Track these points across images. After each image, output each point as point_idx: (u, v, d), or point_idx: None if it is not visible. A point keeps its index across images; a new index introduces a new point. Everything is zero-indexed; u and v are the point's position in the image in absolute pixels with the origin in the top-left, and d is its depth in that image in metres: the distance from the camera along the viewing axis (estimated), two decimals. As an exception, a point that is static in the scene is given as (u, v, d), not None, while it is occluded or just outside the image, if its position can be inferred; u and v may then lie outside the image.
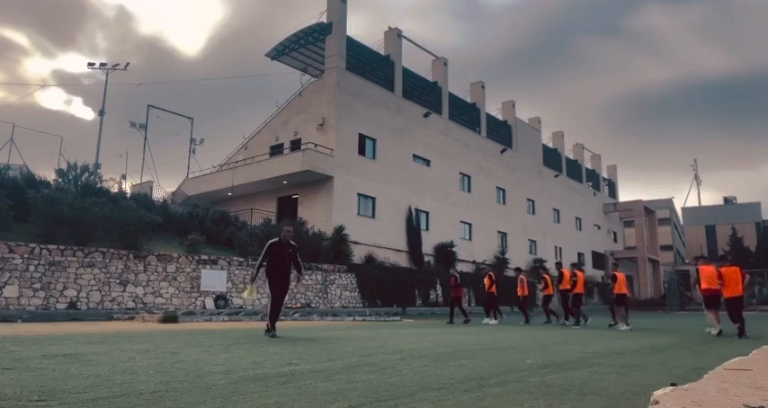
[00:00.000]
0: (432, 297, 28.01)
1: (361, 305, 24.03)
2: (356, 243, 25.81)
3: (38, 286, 15.26)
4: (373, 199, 28.46)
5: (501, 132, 41.52)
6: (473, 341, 8.92)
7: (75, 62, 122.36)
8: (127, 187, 29.45)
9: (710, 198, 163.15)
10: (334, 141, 26.74)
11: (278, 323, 8.88)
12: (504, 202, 39.78)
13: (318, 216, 26.04)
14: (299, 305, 20.77)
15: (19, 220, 16.86)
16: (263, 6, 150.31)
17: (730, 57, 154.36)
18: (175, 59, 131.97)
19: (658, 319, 21.82)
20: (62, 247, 16.20)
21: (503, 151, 40.14)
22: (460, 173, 35.54)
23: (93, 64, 34.07)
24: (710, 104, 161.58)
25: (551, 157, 48.38)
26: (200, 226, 21.87)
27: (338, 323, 15.08)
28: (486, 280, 17.01)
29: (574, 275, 15.70)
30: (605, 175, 61.30)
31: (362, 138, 28.58)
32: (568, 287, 15.74)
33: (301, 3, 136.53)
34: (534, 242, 42.71)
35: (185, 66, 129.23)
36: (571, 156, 53.56)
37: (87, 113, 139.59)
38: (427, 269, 29.38)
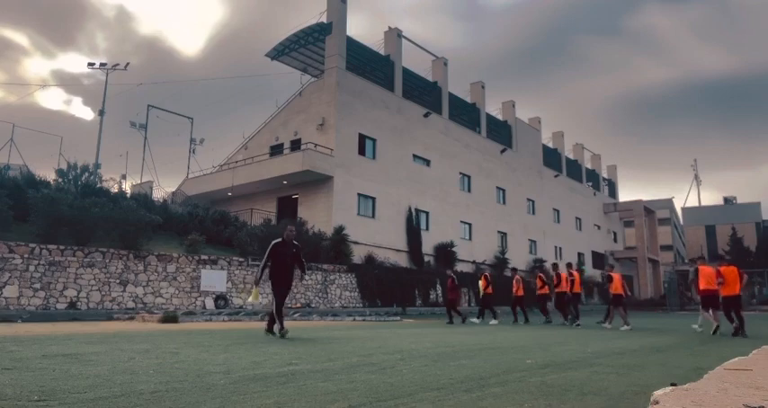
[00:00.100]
0: (432, 297, 28.01)
1: (361, 305, 24.04)
2: (356, 243, 25.82)
3: (38, 286, 15.26)
4: (373, 199, 28.46)
5: (501, 132, 41.53)
6: (473, 341, 8.92)
7: (75, 62, 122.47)
8: (127, 187, 29.51)
9: (710, 198, 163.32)
10: (334, 141, 26.74)
11: (275, 325, 8.77)
12: (504, 202, 39.78)
13: (318, 216, 26.04)
14: (299, 305, 20.77)
15: (19, 220, 16.86)
16: (263, 6, 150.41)
17: (730, 57, 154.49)
18: (175, 59, 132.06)
19: (658, 319, 21.82)
20: (62, 247, 16.20)
21: (503, 151, 40.14)
22: (460, 173, 35.54)
23: (93, 64, 34.09)
24: (710, 104, 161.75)
25: (551, 157, 48.38)
26: (200, 226, 21.87)
27: (338, 323, 15.08)
28: (482, 282, 16.98)
29: (570, 275, 15.72)
30: (605, 175, 61.33)
31: (362, 138, 28.59)
32: (565, 289, 15.76)
33: (301, 3, 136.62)
34: (534, 242, 42.72)
35: (185, 66, 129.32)
36: (571, 156, 53.58)
37: (87, 113, 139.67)
38: (427, 269, 29.38)
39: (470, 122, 38.33)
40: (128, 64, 34.71)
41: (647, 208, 56.95)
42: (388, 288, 25.55)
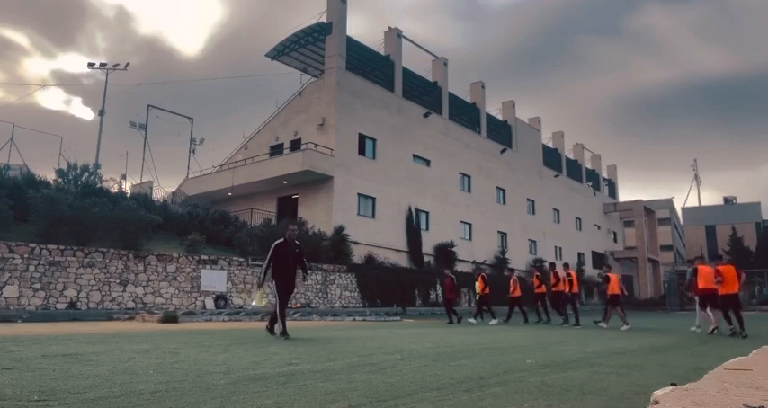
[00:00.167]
0: (432, 297, 28.01)
1: (361, 305, 24.03)
2: (356, 243, 25.82)
3: (38, 286, 15.26)
4: (373, 199, 28.46)
5: (501, 132, 41.53)
6: (473, 341, 8.92)
7: (74, 62, 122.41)
8: (127, 187, 29.50)
9: (710, 198, 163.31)
10: (334, 141, 26.74)
11: (276, 325, 8.77)
12: (504, 202, 39.79)
13: (318, 216, 26.04)
14: (299, 305, 20.77)
15: (19, 220, 16.86)
16: (263, 6, 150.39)
17: (730, 57, 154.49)
18: (175, 59, 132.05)
19: (658, 319, 21.81)
20: (62, 247, 16.20)
21: (503, 151, 40.14)
22: (460, 173, 35.54)
23: (93, 64, 34.09)
24: (710, 104, 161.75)
25: (551, 157, 48.39)
26: (201, 226, 21.87)
27: (338, 323, 15.08)
28: (479, 283, 16.96)
29: (568, 275, 15.72)
30: (605, 175, 61.34)
31: (362, 138, 28.59)
32: (562, 289, 15.76)
33: (301, 3, 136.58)
34: (534, 242, 42.72)
35: (185, 66, 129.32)
36: (571, 156, 53.58)
37: (87, 113, 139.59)
38: (427, 269, 29.38)
39: (470, 122, 38.34)
40: (128, 64, 34.73)
41: (647, 208, 56.95)
42: (388, 288, 25.55)
